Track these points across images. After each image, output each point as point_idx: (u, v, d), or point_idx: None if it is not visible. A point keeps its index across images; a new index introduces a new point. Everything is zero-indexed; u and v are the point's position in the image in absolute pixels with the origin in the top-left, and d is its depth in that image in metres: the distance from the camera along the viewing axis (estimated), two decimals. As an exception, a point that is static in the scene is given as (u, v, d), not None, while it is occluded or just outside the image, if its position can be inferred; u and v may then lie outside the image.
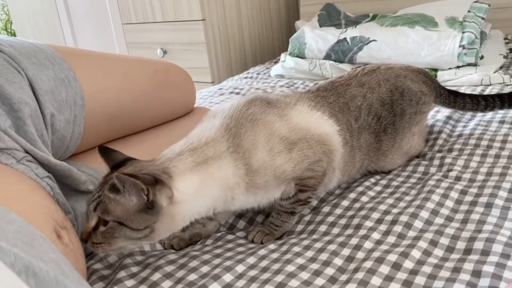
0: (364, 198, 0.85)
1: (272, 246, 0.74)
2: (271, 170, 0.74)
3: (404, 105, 0.93)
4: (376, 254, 0.66)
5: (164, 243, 0.80)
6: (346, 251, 0.69)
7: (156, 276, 0.68)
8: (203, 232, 0.82)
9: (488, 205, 0.76)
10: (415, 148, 0.99)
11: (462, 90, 1.40)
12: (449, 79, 1.49)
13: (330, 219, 0.80)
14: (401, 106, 0.93)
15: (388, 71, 0.95)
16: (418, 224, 0.73)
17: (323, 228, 0.78)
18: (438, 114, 1.19)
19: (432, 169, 0.93)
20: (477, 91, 1.35)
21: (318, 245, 0.72)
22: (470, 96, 1.07)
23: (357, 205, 0.83)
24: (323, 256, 0.68)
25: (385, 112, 0.91)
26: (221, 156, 0.71)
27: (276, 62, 2.04)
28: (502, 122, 1.09)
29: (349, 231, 0.75)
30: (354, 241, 0.71)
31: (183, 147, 0.71)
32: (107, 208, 0.64)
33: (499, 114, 1.13)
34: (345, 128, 0.85)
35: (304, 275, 0.64)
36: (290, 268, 0.66)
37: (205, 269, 0.69)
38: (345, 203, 0.84)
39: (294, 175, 0.77)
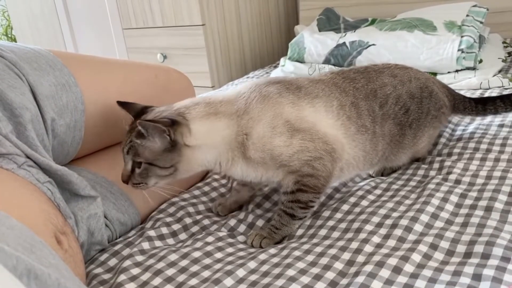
0: (364, 202, 0.85)
1: (272, 251, 0.74)
2: (269, 148, 0.77)
3: (430, 104, 0.94)
4: (376, 258, 0.66)
5: (212, 209, 0.92)
6: (346, 255, 0.69)
7: (157, 281, 0.68)
8: (239, 198, 0.93)
9: (488, 209, 0.76)
10: (422, 152, 0.99)
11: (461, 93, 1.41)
12: (448, 83, 1.48)
13: (331, 223, 0.80)
14: (428, 105, 0.94)
15: (419, 73, 0.98)
16: (418, 227, 0.74)
17: (323, 232, 0.78)
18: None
19: (432, 173, 0.93)
20: (476, 95, 1.36)
21: (318, 249, 0.72)
22: (501, 98, 1.07)
23: (357, 209, 0.83)
24: (324, 260, 0.68)
25: (414, 105, 0.92)
26: (230, 116, 0.78)
27: (275, 67, 2.05)
28: (501, 125, 1.09)
29: (349, 235, 0.75)
30: (354, 245, 0.71)
31: (200, 99, 0.80)
32: (137, 151, 0.75)
33: (498, 117, 1.13)
34: (365, 115, 0.85)
35: (305, 279, 0.64)
36: (290, 272, 0.66)
37: (206, 273, 0.69)
38: (345, 207, 0.84)
39: (292, 164, 0.78)
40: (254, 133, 0.77)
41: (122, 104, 0.83)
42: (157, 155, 0.75)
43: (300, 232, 0.81)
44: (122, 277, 0.70)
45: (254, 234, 0.80)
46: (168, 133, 0.74)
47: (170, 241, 0.83)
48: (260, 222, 0.87)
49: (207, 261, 0.73)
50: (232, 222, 0.88)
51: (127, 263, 0.73)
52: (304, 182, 0.79)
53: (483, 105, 1.06)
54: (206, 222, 0.88)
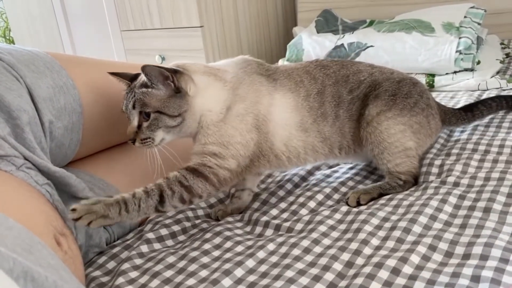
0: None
1: (271, 246, 0.74)
2: (232, 126, 0.81)
3: (412, 90, 0.93)
4: (375, 259, 0.66)
5: (211, 215, 0.91)
6: (345, 256, 0.69)
7: (155, 283, 0.68)
8: (241, 205, 0.93)
9: (486, 210, 0.76)
10: (398, 146, 0.89)
11: (459, 95, 1.41)
12: (446, 84, 1.49)
13: (330, 222, 0.80)
14: (408, 88, 0.93)
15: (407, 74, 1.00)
16: (416, 229, 0.73)
17: (323, 228, 0.78)
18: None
19: (432, 177, 0.93)
20: (474, 96, 1.36)
21: (317, 249, 0.72)
22: (482, 102, 1.09)
23: (355, 209, 0.83)
24: (323, 261, 0.68)
25: (388, 83, 0.92)
26: (225, 83, 0.84)
27: (274, 68, 2.05)
28: (499, 127, 1.09)
29: (348, 235, 0.75)
30: (353, 245, 0.71)
31: (197, 62, 0.86)
32: (144, 101, 0.77)
33: (496, 118, 1.14)
34: (328, 101, 0.89)
35: (304, 281, 0.64)
36: (289, 273, 0.66)
37: (203, 273, 0.69)
38: (344, 208, 0.84)
39: (228, 151, 0.80)
40: (234, 108, 0.82)
41: (115, 74, 0.85)
42: (165, 102, 0.77)
43: (299, 226, 0.80)
44: (120, 279, 0.69)
45: (86, 208, 0.68)
46: (171, 80, 0.77)
47: (169, 242, 0.83)
48: (255, 217, 0.86)
49: (205, 259, 0.73)
50: (230, 219, 0.88)
51: (126, 266, 0.73)
52: (218, 172, 0.79)
53: (471, 112, 1.08)
54: (204, 225, 0.88)
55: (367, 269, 0.64)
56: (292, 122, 0.87)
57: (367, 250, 0.70)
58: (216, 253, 0.75)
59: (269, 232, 0.82)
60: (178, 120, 0.79)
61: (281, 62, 1.87)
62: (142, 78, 0.79)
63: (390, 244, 0.71)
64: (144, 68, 0.76)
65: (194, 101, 0.80)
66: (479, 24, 1.62)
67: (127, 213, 0.70)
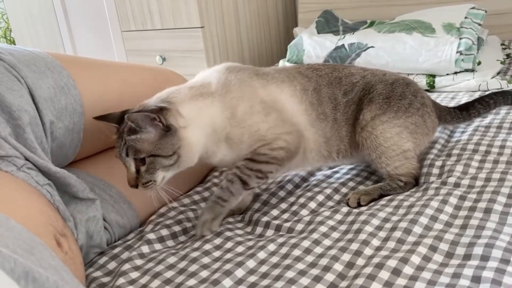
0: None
1: (271, 247, 0.74)
2: (249, 124, 0.82)
3: (406, 91, 0.93)
4: (376, 260, 0.66)
5: None
6: (346, 256, 0.69)
7: (156, 283, 0.68)
8: (242, 205, 0.92)
9: (487, 211, 0.76)
10: (395, 149, 0.89)
11: (460, 95, 1.41)
12: (446, 84, 1.49)
13: (331, 222, 0.80)
14: (401, 89, 0.93)
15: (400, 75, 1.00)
16: (417, 229, 0.74)
17: (323, 228, 0.78)
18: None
19: (433, 178, 0.93)
20: (474, 96, 1.36)
21: (318, 250, 0.72)
22: (478, 101, 1.11)
23: (356, 210, 0.83)
24: (323, 261, 0.68)
25: (382, 86, 0.92)
26: (213, 95, 0.82)
27: (274, 69, 2.05)
28: (499, 127, 1.09)
29: (349, 236, 0.75)
30: (354, 246, 0.71)
31: (180, 86, 0.83)
32: (136, 148, 0.74)
33: (497, 119, 1.14)
34: (326, 102, 0.90)
35: (304, 281, 0.64)
36: (290, 274, 0.66)
37: (204, 273, 0.69)
38: (344, 209, 0.84)
39: (267, 137, 0.82)
40: (239, 110, 0.82)
41: (100, 118, 0.81)
42: (157, 144, 0.75)
43: (299, 227, 0.81)
44: (121, 280, 0.69)
45: (202, 222, 0.81)
46: (158, 120, 0.74)
47: (170, 242, 0.83)
48: (256, 217, 0.87)
49: (206, 260, 0.73)
50: (230, 219, 0.88)
51: (126, 266, 0.73)
52: (274, 155, 0.82)
53: (466, 111, 1.08)
54: (205, 224, 0.88)
55: (368, 270, 0.64)
56: (299, 109, 0.87)
57: (368, 251, 0.70)
58: (217, 253, 0.75)
59: (269, 232, 0.82)
60: (174, 158, 0.76)
61: (282, 63, 1.87)
62: (129, 122, 0.75)
63: (391, 244, 0.71)
64: (129, 118, 0.73)
65: (187, 133, 0.77)
66: (479, 25, 1.62)
67: (228, 201, 0.82)
